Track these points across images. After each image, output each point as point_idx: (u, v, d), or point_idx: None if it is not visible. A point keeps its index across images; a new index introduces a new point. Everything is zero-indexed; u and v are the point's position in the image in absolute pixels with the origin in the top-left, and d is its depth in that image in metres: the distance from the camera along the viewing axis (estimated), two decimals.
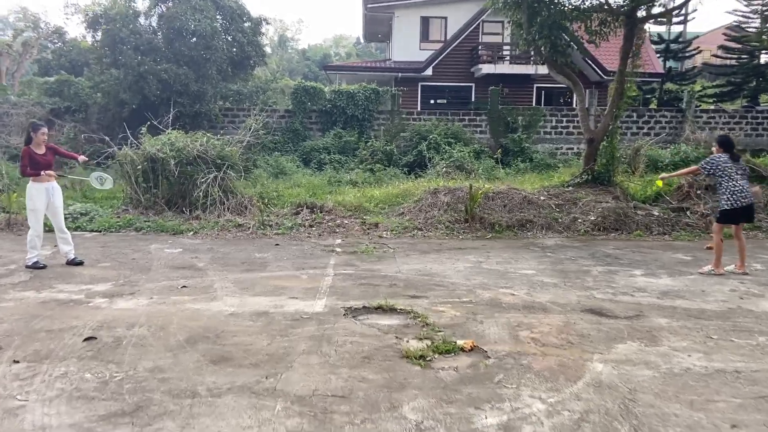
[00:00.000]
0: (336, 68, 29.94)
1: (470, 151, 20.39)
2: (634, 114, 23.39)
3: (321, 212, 10.84)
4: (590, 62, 24.18)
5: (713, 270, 6.74)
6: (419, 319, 4.93)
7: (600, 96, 23.55)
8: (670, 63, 30.85)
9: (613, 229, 9.80)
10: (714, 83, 31.17)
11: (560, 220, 10.12)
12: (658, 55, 30.30)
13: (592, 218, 10.01)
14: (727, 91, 30.55)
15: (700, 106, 26.97)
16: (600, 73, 24.60)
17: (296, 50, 56.08)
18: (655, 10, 11.51)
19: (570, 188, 11.52)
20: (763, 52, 29.04)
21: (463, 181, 13.46)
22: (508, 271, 6.97)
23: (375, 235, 9.60)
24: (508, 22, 12.61)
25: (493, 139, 22.64)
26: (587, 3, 11.66)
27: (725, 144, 6.82)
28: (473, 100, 26.53)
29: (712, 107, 27.46)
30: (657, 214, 10.16)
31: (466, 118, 22.93)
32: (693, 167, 7.33)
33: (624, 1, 11.73)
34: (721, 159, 6.73)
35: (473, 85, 27.03)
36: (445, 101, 26.92)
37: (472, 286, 6.16)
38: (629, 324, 4.87)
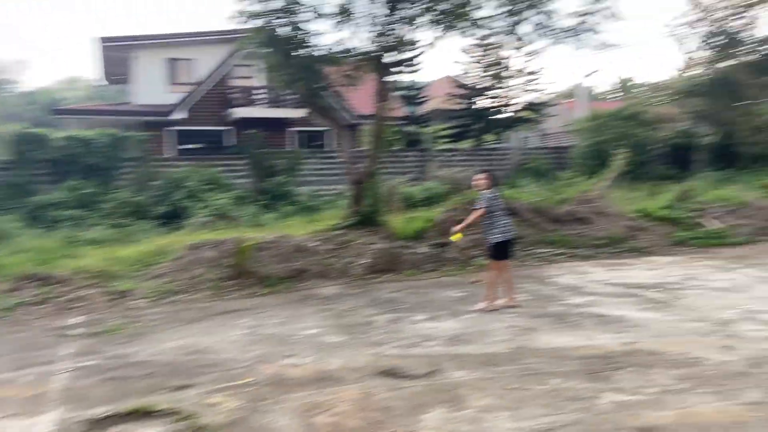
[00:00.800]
0: (68, 112, 26.36)
1: (231, 198, 19.38)
2: (385, 155, 24.73)
3: (54, 283, 8.86)
4: (342, 106, 25.04)
5: (487, 306, 6.86)
6: (189, 421, 3.90)
7: (353, 138, 24.51)
8: (408, 108, 33.74)
9: (386, 271, 9.72)
10: (447, 126, 34.93)
11: (334, 266, 9.73)
12: (399, 101, 32.82)
13: (366, 261, 9.82)
14: (458, 132, 34.51)
15: (439, 146, 29.84)
16: (352, 116, 25.62)
17: (17, 93, 48.81)
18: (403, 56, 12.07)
19: (340, 231, 11.28)
20: (484, 97, 33.48)
21: (228, 231, 12.43)
22: (289, 333, 6.22)
23: (126, 306, 8.07)
24: (261, 67, 12.03)
25: (255, 183, 21.91)
26: (339, 47, 11.76)
27: (495, 179, 7.06)
28: (233, 144, 25.58)
29: (448, 147, 30.57)
30: (424, 250, 10.40)
31: (225, 163, 21.90)
32: (477, 213, 7.06)
33: (372, 49, 12.13)
34: (494, 195, 6.93)
35: (230, 128, 26.08)
36: (201, 146, 25.44)
37: (251, 361, 5.27)
38: (428, 384, 4.48)
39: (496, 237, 6.84)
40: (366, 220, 11.44)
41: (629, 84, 45.59)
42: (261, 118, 25.55)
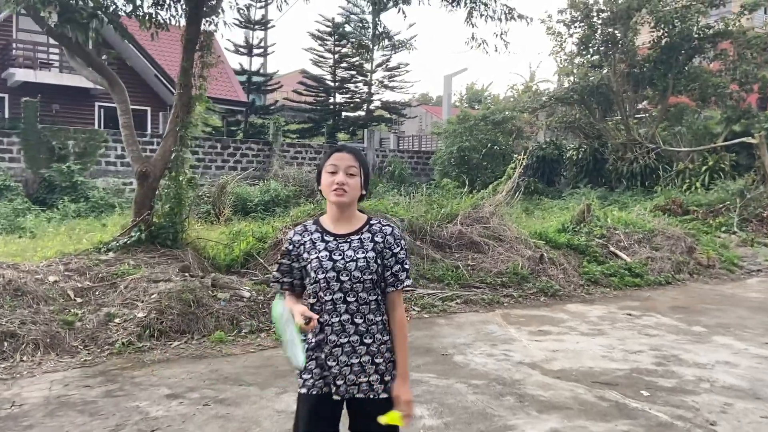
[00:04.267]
0: None
1: None
2: (219, 145, 20.22)
3: None
4: (162, 78, 20.07)
5: None
6: None
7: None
8: (253, 96, 29.39)
9: (176, 333, 5.61)
10: (295, 120, 31.07)
11: (80, 324, 5.42)
12: (242, 86, 28.44)
13: (141, 315, 5.62)
14: (308, 128, 30.77)
15: (286, 140, 25.91)
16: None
17: None
18: None
19: (111, 254, 6.92)
20: (339, 91, 30.03)
21: None
22: None
23: None
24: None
25: (32, 169, 16.27)
26: None
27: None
28: (6, 116, 19.39)
29: (297, 142, 26.77)
30: (248, 295, 6.41)
31: None
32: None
33: None
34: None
35: (6, 96, 19.88)
36: None
37: None
38: None
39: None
40: (159, 236, 7.19)
41: (484, 92, 45.08)
42: (54, 85, 19.74)
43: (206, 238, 7.97)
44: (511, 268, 8.38)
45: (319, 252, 2.25)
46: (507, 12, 9.41)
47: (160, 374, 4.64)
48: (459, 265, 8.25)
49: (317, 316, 2.19)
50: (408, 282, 2.31)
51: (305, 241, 2.31)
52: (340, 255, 2.24)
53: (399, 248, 2.30)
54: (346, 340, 2.24)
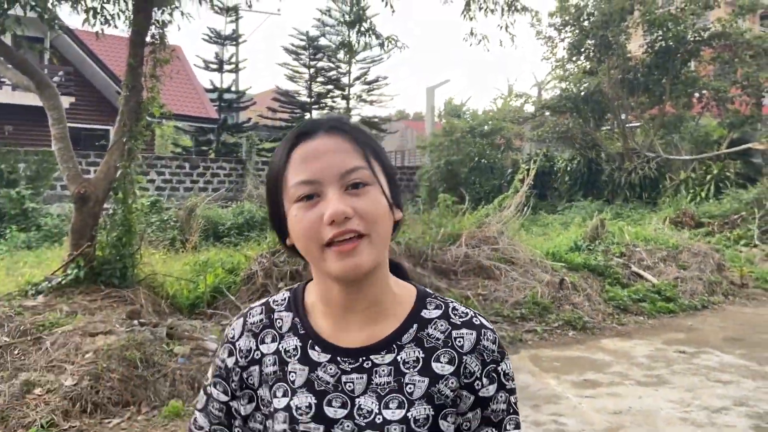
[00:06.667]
0: None
1: None
2: (187, 164, 18.84)
3: None
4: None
5: None
6: None
7: (150, 145, 18.28)
8: (224, 114, 28.08)
9: (119, 404, 4.23)
10: (270, 139, 29.80)
11: None
12: (213, 104, 27.17)
13: (70, 383, 4.23)
14: None
15: (261, 159, 24.63)
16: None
17: None
18: None
19: (41, 298, 5.51)
20: (315, 107, 28.83)
21: None
22: None
23: None
24: None
25: None
26: None
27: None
28: None
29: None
30: (213, 346, 5.04)
31: None
32: None
33: None
34: None
35: None
36: None
37: None
38: None
39: None
40: (102, 273, 5.79)
41: (463, 107, 44.25)
42: (6, 104, 18.20)
43: (164, 273, 6.58)
44: (529, 296, 7.15)
45: (294, 393, 0.92)
46: (509, 3, 8.28)
47: None
48: (468, 295, 6.99)
49: None
50: None
51: (265, 356, 0.95)
52: (342, 406, 0.90)
53: (494, 385, 0.94)
54: None
